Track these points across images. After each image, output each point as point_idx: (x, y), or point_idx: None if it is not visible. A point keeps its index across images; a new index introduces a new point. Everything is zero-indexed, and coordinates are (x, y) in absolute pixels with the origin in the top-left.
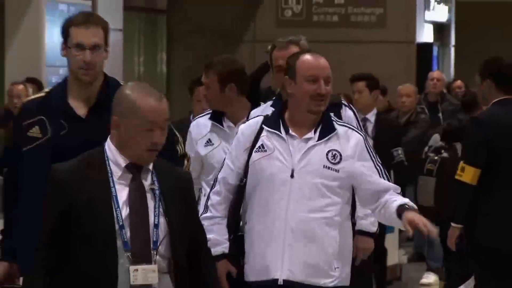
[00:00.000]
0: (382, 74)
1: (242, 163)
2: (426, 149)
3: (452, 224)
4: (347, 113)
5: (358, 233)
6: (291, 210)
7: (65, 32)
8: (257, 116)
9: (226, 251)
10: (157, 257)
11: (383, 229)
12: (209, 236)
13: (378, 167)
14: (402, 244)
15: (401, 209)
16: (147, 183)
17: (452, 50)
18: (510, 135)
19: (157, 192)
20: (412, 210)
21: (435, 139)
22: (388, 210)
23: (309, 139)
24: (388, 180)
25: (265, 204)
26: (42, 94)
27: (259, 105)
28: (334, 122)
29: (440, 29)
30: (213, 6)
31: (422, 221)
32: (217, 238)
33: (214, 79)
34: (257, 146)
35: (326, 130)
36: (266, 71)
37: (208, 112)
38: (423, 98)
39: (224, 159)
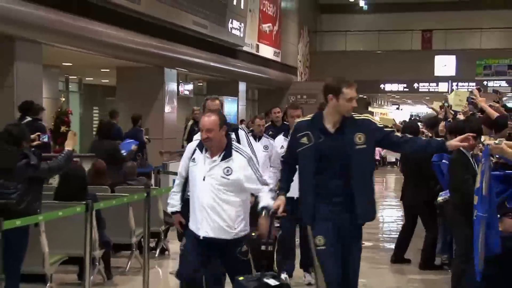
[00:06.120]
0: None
1: (185, 167)
2: None
3: None
4: (241, 132)
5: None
6: (205, 197)
7: (338, 89)
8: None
9: (179, 209)
10: None
11: None
12: (171, 201)
13: (256, 175)
14: None
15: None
16: None
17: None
18: None
19: None
20: (264, 217)
21: None
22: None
23: (215, 160)
24: (262, 183)
25: (193, 192)
26: (308, 118)
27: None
28: (232, 150)
29: None
30: (275, 101)
31: (262, 227)
32: (174, 203)
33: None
34: (192, 158)
35: (226, 155)
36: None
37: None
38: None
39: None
